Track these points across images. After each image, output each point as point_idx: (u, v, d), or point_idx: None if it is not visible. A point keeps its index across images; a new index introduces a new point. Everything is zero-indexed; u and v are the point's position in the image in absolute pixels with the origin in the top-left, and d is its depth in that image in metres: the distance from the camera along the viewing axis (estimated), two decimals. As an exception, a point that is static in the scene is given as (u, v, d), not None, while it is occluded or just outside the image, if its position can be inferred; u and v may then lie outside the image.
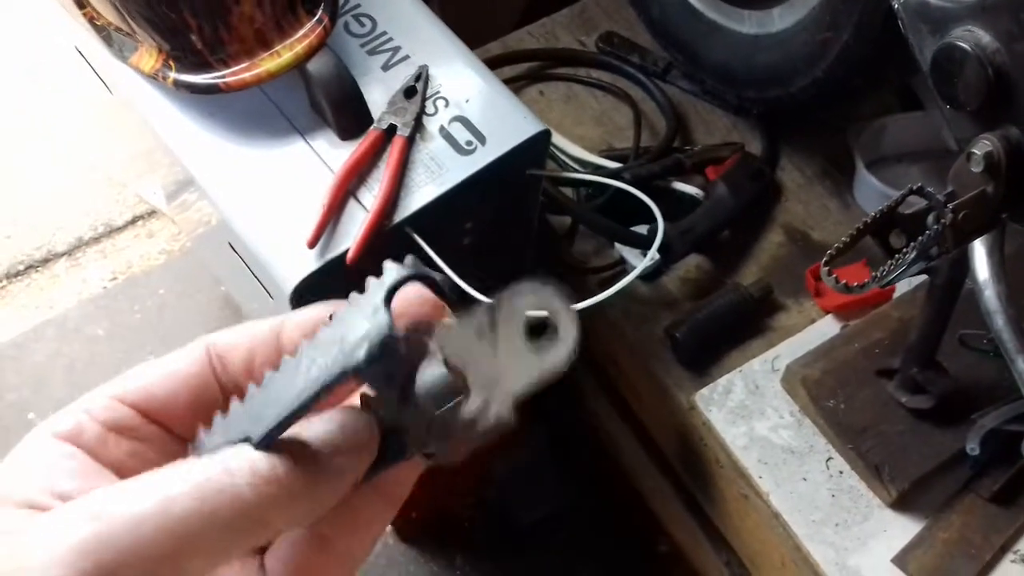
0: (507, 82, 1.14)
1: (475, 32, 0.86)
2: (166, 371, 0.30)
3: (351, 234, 0.70)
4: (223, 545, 0.25)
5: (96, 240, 1.65)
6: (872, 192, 0.99)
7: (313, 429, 0.27)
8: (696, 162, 1.02)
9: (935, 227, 0.48)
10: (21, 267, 1.63)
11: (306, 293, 0.70)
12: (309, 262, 0.69)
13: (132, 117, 1.01)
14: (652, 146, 1.06)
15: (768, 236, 1.02)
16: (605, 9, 1.20)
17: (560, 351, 0.27)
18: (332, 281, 0.71)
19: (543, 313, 0.27)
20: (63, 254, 1.64)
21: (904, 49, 0.63)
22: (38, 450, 0.28)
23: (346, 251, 0.70)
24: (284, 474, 0.25)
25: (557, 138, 1.02)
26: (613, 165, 1.00)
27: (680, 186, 1.00)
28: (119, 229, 1.66)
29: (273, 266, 0.70)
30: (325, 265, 0.69)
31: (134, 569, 0.23)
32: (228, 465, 0.25)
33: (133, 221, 1.67)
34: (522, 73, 1.15)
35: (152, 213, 1.66)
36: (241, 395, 0.28)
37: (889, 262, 0.48)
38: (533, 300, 0.27)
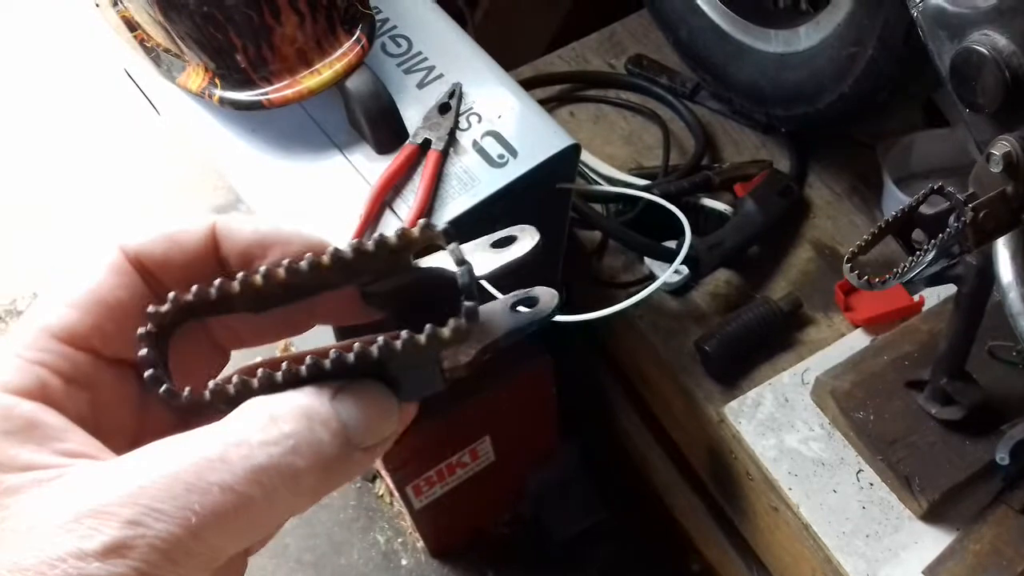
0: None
1: (507, 56, 0.89)
2: (105, 298, 0.28)
3: (387, 243, 0.72)
4: (250, 527, 0.25)
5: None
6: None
7: (347, 415, 0.27)
8: (725, 179, 1.04)
9: (955, 225, 0.49)
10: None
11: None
12: (346, 270, 0.72)
13: (169, 151, 1.06)
14: (681, 164, 1.08)
15: (797, 252, 1.03)
16: (633, 33, 1.23)
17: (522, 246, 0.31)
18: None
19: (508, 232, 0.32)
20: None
21: (927, 61, 0.64)
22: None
23: (382, 260, 0.72)
24: (316, 470, 0.26)
25: (587, 156, 1.05)
26: (642, 183, 1.02)
27: (709, 202, 1.01)
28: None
29: (312, 274, 0.72)
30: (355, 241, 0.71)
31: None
32: (271, 451, 0.25)
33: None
34: (553, 95, 1.17)
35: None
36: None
37: (910, 259, 0.49)
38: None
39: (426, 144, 0.77)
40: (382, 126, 0.76)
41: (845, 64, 0.87)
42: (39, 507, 0.24)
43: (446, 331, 0.27)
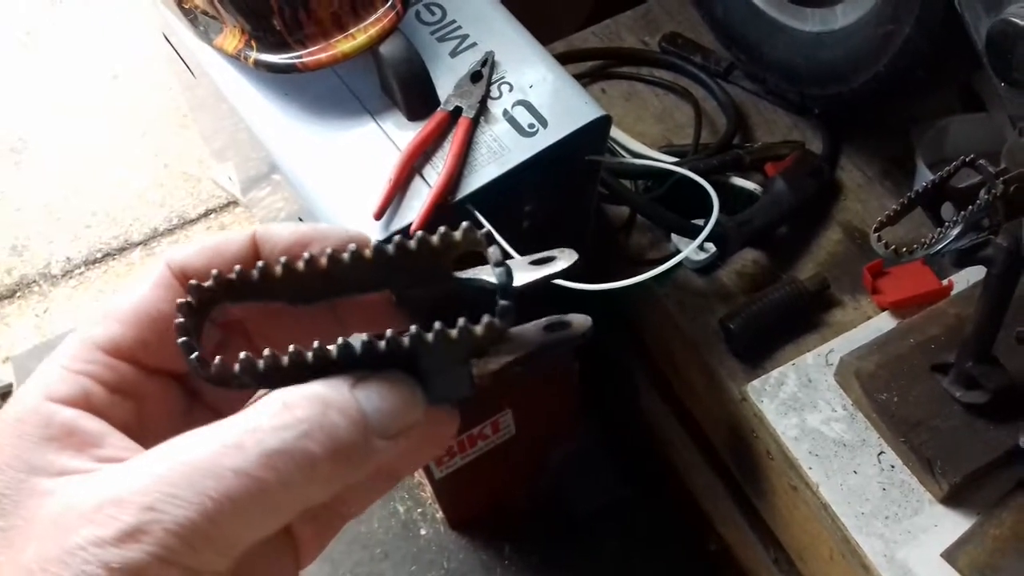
0: (570, 80, 1.17)
1: (542, 31, 0.89)
2: (149, 312, 0.29)
3: (415, 208, 0.73)
4: (261, 520, 0.26)
5: (170, 231, 1.72)
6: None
7: (370, 404, 0.27)
8: (756, 159, 1.03)
9: (986, 198, 0.49)
10: (99, 255, 1.70)
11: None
12: (375, 233, 0.73)
13: (207, 116, 1.07)
14: (712, 143, 1.07)
15: (826, 234, 1.02)
16: (668, 10, 1.22)
17: (559, 264, 0.32)
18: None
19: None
20: (139, 244, 1.71)
21: (964, 40, 0.64)
22: (38, 415, 0.27)
23: (410, 224, 0.73)
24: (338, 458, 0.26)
25: (617, 133, 1.04)
26: (672, 160, 1.02)
27: (739, 181, 1.01)
28: (192, 221, 1.72)
29: (340, 237, 0.73)
30: (390, 237, 0.72)
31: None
32: (284, 438, 0.26)
33: (206, 214, 1.73)
34: (585, 71, 1.17)
35: (224, 207, 1.73)
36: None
37: (938, 230, 0.49)
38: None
39: (457, 112, 0.77)
40: (414, 92, 0.77)
41: (881, 43, 0.86)
42: (65, 503, 0.25)
43: (479, 328, 0.27)
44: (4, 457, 0.26)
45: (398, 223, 0.73)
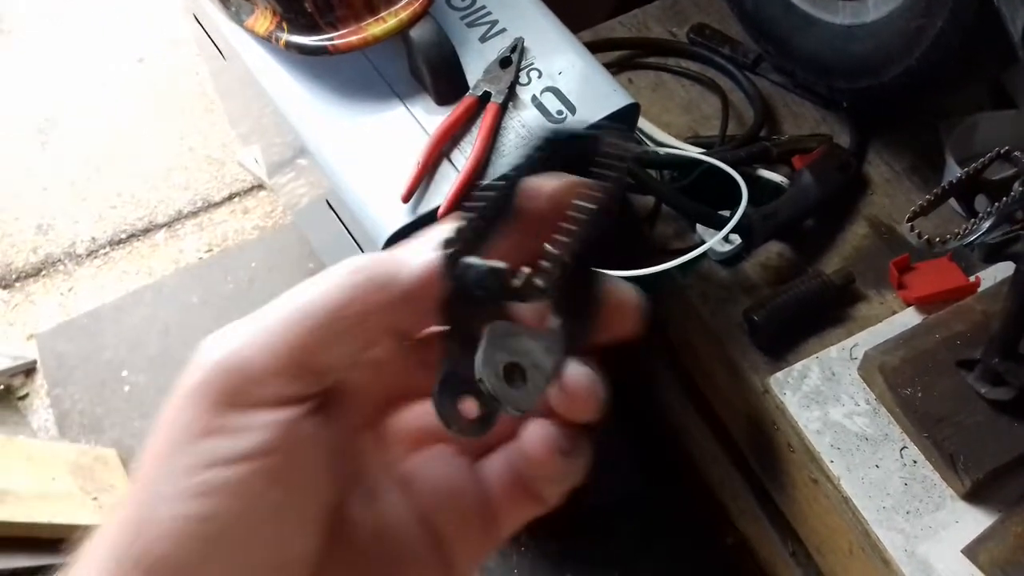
0: (597, 69, 1.17)
1: (569, 20, 0.89)
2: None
3: (443, 192, 0.73)
4: (337, 331, 0.26)
5: (194, 214, 1.73)
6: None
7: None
8: (783, 151, 1.03)
9: (1020, 190, 0.49)
10: (124, 235, 1.72)
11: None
12: (402, 216, 0.73)
13: (235, 99, 1.07)
14: (738, 135, 1.07)
15: (852, 228, 1.02)
16: (697, 1, 1.21)
17: None
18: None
19: None
20: (163, 225, 1.72)
21: (997, 36, 0.63)
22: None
23: (437, 208, 0.73)
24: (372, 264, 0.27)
25: (643, 123, 1.04)
26: (699, 151, 1.01)
27: (765, 173, 1.00)
28: (216, 205, 1.74)
29: (369, 218, 0.74)
30: (417, 219, 0.73)
31: (258, 383, 0.25)
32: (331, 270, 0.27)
33: (230, 198, 1.74)
34: (612, 61, 1.17)
35: (248, 191, 1.74)
36: None
37: (972, 221, 0.48)
38: None
39: (486, 97, 0.78)
40: (443, 77, 0.77)
41: (913, 36, 0.86)
42: None
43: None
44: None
45: (426, 206, 0.73)
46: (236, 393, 0.25)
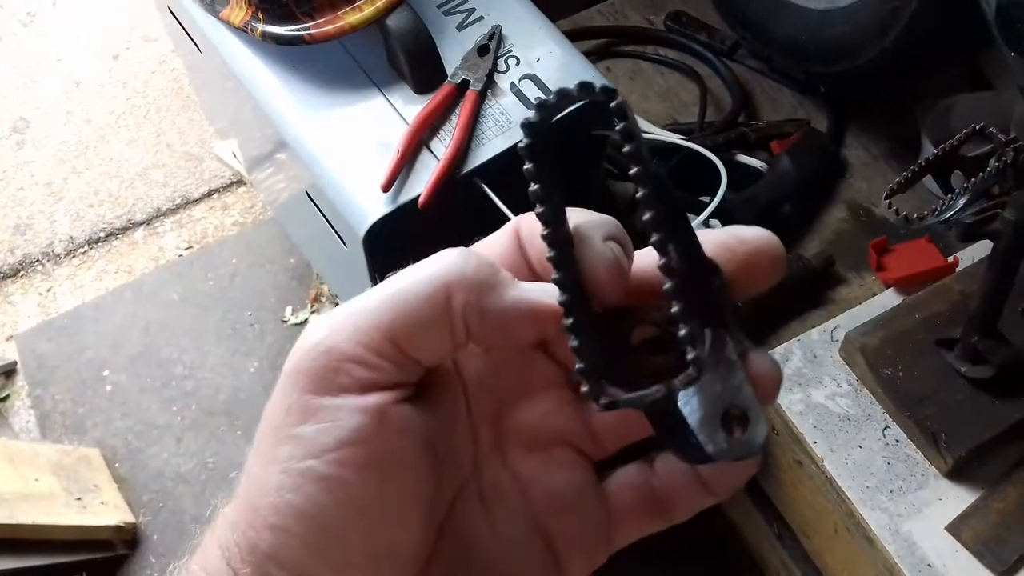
0: (575, 58, 1.17)
1: (545, 10, 0.89)
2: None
3: (423, 181, 0.73)
4: (432, 321, 0.26)
5: (173, 211, 1.72)
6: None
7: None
8: (761, 137, 1.03)
9: (996, 165, 0.49)
10: (102, 234, 1.70)
11: (379, 235, 0.73)
12: (383, 205, 0.73)
13: (212, 92, 1.06)
14: (717, 121, 1.07)
15: (831, 211, 1.02)
16: (674, -12, 1.22)
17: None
18: (404, 227, 0.74)
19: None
20: (142, 223, 1.70)
21: (971, 15, 0.63)
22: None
23: (417, 197, 0.73)
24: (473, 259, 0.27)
25: (623, 110, 1.04)
26: (678, 137, 1.02)
27: (744, 158, 1.01)
28: (195, 201, 1.72)
29: (350, 209, 0.74)
30: (397, 209, 0.72)
31: (359, 363, 0.25)
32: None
33: (209, 194, 1.73)
34: (590, 50, 1.17)
35: (227, 187, 1.72)
36: None
37: (948, 196, 0.49)
38: None
39: (464, 85, 0.77)
40: (421, 65, 0.77)
41: (888, 18, 0.86)
42: None
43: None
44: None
45: (406, 195, 0.73)
46: (329, 376, 0.25)
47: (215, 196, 1.72)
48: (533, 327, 0.27)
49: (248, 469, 0.26)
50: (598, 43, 1.18)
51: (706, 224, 0.95)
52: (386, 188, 0.72)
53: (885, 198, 0.49)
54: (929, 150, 0.99)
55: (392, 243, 0.75)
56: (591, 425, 0.30)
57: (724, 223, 0.96)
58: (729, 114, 1.07)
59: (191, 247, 1.65)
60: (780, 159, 1.00)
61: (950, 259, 0.94)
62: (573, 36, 1.16)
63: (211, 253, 1.62)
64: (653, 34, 1.18)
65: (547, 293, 0.27)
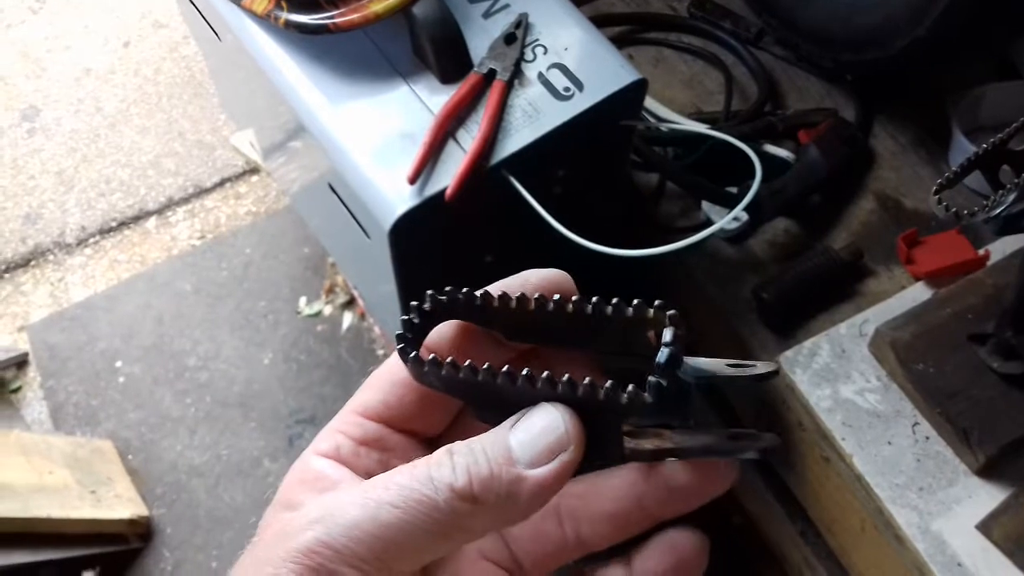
0: (596, 46, 1.15)
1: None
2: (392, 379, 0.33)
3: (450, 172, 0.72)
4: (424, 548, 0.28)
5: (185, 200, 1.71)
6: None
7: (516, 437, 0.29)
8: (788, 126, 1.01)
9: (1050, 160, 0.48)
10: (114, 224, 1.69)
11: (405, 228, 0.71)
12: (409, 199, 0.71)
13: (229, 81, 1.05)
14: (742, 110, 1.05)
15: (859, 203, 1.00)
16: (697, -25, 1.20)
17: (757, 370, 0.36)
18: (431, 220, 0.73)
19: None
20: (154, 213, 1.69)
21: (1007, 5, 0.62)
22: (304, 465, 0.33)
23: (444, 189, 0.71)
24: (479, 492, 0.27)
25: (646, 99, 1.03)
26: (705, 126, 1.00)
27: (771, 148, 0.99)
28: (208, 190, 1.71)
29: (375, 201, 0.72)
30: (424, 202, 0.71)
31: (350, 567, 0.27)
32: (432, 476, 0.28)
33: (221, 183, 1.72)
34: (612, 37, 1.15)
35: (240, 175, 1.71)
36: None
37: (999, 192, 0.47)
38: None
39: (491, 74, 0.76)
40: (447, 54, 0.75)
41: (922, 6, 0.84)
42: (282, 525, 0.29)
43: (624, 396, 0.28)
44: (277, 498, 0.32)
45: (433, 187, 0.72)
46: (328, 571, 0.27)
47: (228, 185, 1.71)
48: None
49: None
50: (620, 30, 1.16)
51: (734, 217, 0.94)
52: (412, 180, 0.71)
53: (934, 193, 0.48)
54: (960, 139, 0.98)
55: (418, 236, 0.73)
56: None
57: (752, 215, 0.95)
58: (755, 103, 1.05)
59: (204, 237, 1.64)
60: (808, 149, 0.98)
61: (981, 252, 0.92)
62: (595, 23, 1.14)
63: (224, 243, 1.61)
64: (676, 21, 1.16)
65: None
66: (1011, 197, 0.49)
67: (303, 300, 1.51)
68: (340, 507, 0.28)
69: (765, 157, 0.99)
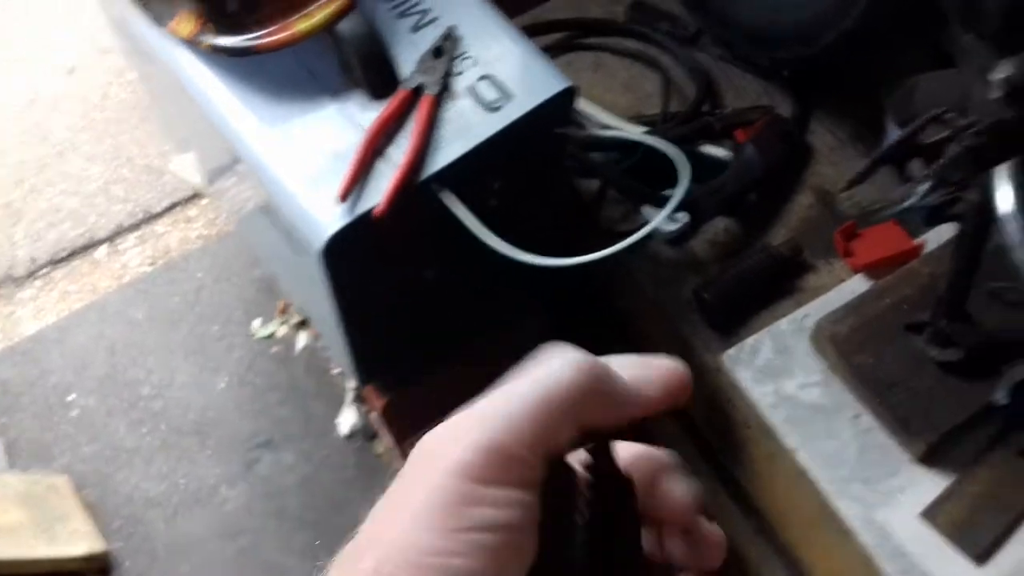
0: (536, 54, 1.16)
1: (505, 5, 0.88)
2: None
3: (380, 190, 0.72)
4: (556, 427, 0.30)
5: (135, 226, 1.69)
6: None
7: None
8: (725, 125, 1.03)
9: (954, 152, 0.49)
10: (64, 254, 1.67)
11: (338, 248, 0.71)
12: (340, 218, 0.71)
13: (167, 105, 1.04)
14: (681, 111, 1.06)
15: (797, 199, 1.02)
16: (632, -20, 1.21)
17: None
18: (363, 239, 0.73)
19: None
20: (104, 240, 1.68)
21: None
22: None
23: (375, 206, 0.71)
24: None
25: (586, 105, 1.03)
26: (642, 129, 1.01)
27: (708, 149, 1.00)
28: (158, 215, 1.70)
29: (306, 224, 0.72)
30: (355, 220, 0.71)
31: (520, 446, 0.29)
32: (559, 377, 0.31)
33: (171, 207, 1.70)
34: (551, 44, 1.16)
35: (190, 199, 1.70)
36: None
37: (907, 185, 0.48)
38: None
39: (420, 89, 0.76)
40: (374, 70, 0.75)
41: (845, 1, 0.86)
42: None
43: None
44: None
45: (363, 206, 0.72)
46: (494, 472, 0.28)
47: (177, 209, 1.69)
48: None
49: (384, 539, 0.28)
50: (560, 37, 1.17)
51: (673, 218, 0.94)
52: (343, 198, 0.71)
53: (842, 190, 0.49)
54: (893, 132, 0.99)
55: (352, 255, 0.73)
56: None
57: (692, 215, 0.95)
58: (692, 104, 1.06)
59: (155, 263, 1.63)
60: (744, 148, 0.99)
61: (917, 241, 0.94)
62: (534, 31, 1.15)
63: (175, 268, 1.59)
64: (614, 26, 1.17)
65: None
66: (924, 187, 0.50)
67: (257, 322, 1.50)
68: (484, 416, 0.30)
69: (702, 158, 1.00)
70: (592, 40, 1.16)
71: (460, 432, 0.29)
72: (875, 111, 1.03)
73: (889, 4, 0.81)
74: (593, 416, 0.31)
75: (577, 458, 0.33)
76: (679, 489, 0.33)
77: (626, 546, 0.32)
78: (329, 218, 0.71)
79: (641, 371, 0.34)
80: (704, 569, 0.33)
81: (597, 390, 0.31)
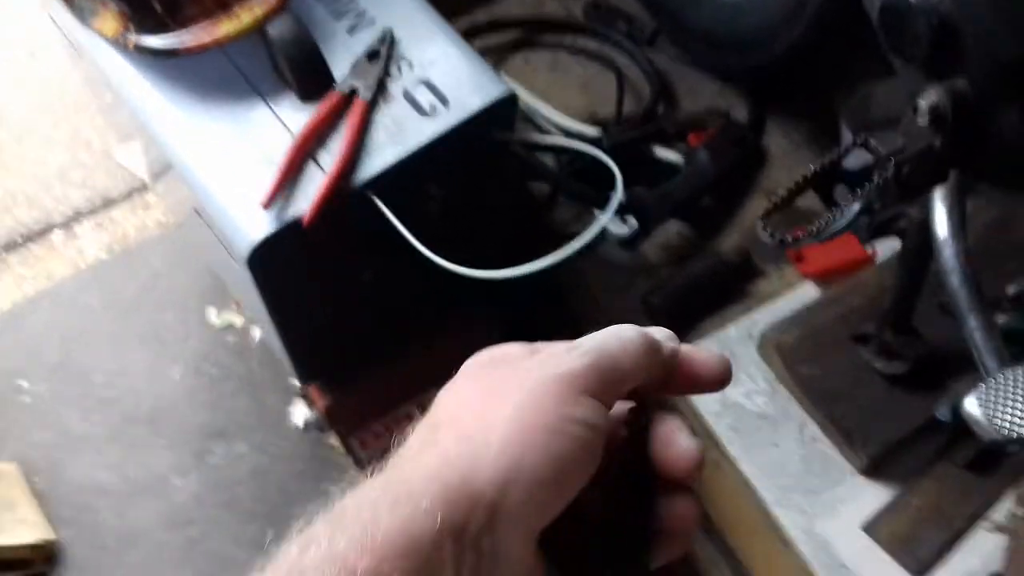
0: (492, 50, 1.13)
1: (451, 3, 0.85)
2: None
3: (308, 196, 0.70)
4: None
5: (92, 212, 1.65)
6: (858, 158, 0.98)
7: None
8: (679, 129, 1.01)
9: (878, 180, 0.47)
10: (19, 239, 1.63)
11: (264, 256, 0.69)
12: (265, 226, 0.69)
13: (103, 101, 1.01)
14: (636, 114, 1.04)
15: (751, 203, 1.00)
16: (591, -25, 1.18)
17: None
18: (292, 245, 0.71)
19: None
20: (60, 226, 1.64)
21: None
22: None
23: (302, 216, 0.69)
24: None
25: (540, 105, 1.01)
26: (594, 131, 0.99)
27: (661, 152, 0.99)
28: (115, 202, 1.66)
29: (232, 230, 0.70)
30: (282, 228, 0.69)
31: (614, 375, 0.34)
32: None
33: (129, 194, 1.67)
34: (508, 41, 1.14)
35: (148, 186, 1.66)
36: None
37: (827, 214, 0.47)
38: None
39: (353, 92, 0.74)
40: (306, 74, 0.73)
41: (795, 10, 0.84)
42: None
43: None
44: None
45: (291, 212, 0.70)
46: (593, 386, 0.33)
47: (135, 196, 1.66)
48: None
49: (461, 416, 0.34)
50: (517, 34, 1.14)
51: (624, 222, 0.93)
52: (267, 205, 0.69)
53: (759, 219, 0.47)
54: (848, 137, 0.98)
55: (280, 261, 0.71)
56: None
57: (640, 220, 0.94)
58: (646, 106, 1.04)
59: (112, 250, 1.59)
60: (697, 152, 0.97)
61: (870, 250, 0.93)
62: (489, 27, 1.13)
63: (132, 255, 1.56)
64: (572, 24, 1.14)
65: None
66: (851, 212, 0.49)
67: (213, 311, 1.47)
68: (596, 346, 0.35)
69: (656, 162, 0.98)
70: (549, 38, 1.14)
71: (578, 352, 0.34)
72: (831, 116, 1.02)
73: (837, 15, 0.80)
74: (649, 376, 0.35)
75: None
76: (687, 442, 0.36)
77: (642, 493, 0.35)
78: (255, 226, 0.69)
79: (694, 353, 0.38)
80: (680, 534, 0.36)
81: (657, 357, 0.36)
